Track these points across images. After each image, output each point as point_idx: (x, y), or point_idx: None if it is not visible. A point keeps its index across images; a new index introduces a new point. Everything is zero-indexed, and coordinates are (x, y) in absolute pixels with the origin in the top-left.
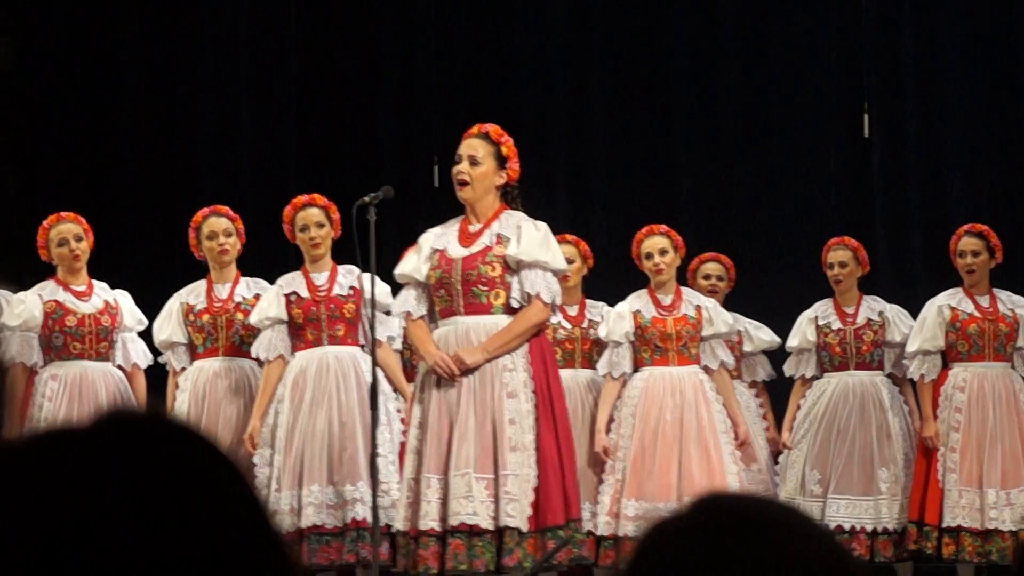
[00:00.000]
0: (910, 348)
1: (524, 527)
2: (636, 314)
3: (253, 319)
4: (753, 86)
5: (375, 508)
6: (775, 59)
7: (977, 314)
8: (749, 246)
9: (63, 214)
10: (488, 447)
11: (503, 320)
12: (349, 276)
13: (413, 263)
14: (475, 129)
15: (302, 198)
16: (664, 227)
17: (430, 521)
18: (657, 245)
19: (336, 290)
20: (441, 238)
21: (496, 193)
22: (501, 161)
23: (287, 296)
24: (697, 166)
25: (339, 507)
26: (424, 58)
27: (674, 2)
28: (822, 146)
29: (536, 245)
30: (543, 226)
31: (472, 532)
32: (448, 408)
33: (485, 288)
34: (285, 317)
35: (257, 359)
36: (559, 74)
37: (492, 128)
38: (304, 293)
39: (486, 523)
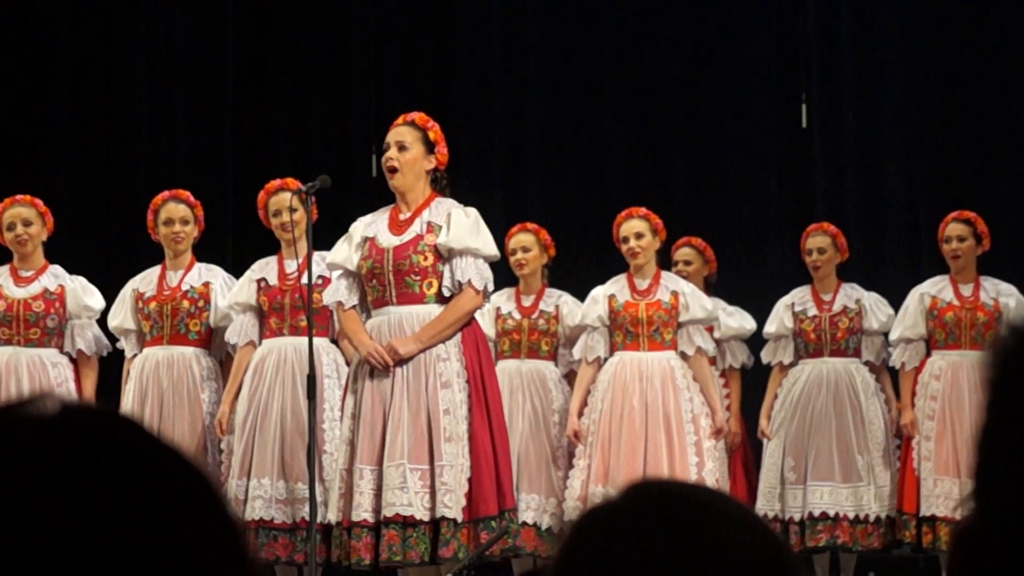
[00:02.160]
0: (892, 336)
1: (460, 517)
2: (611, 298)
3: (223, 304)
4: (692, 75)
5: (313, 500)
6: (714, 49)
7: (956, 302)
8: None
9: (18, 197)
10: (422, 437)
11: (436, 309)
12: (322, 264)
13: (344, 252)
14: (401, 119)
15: (275, 183)
16: (643, 210)
17: (363, 512)
18: (633, 228)
19: (305, 279)
20: (371, 227)
21: (426, 179)
22: (429, 146)
23: (258, 282)
24: (635, 156)
25: (289, 503)
26: (361, 47)
27: None
28: (761, 136)
29: (466, 232)
30: (473, 212)
31: (407, 523)
32: (382, 398)
33: (417, 278)
34: (254, 303)
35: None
36: (496, 63)
37: (418, 115)
38: (273, 280)
39: (421, 514)
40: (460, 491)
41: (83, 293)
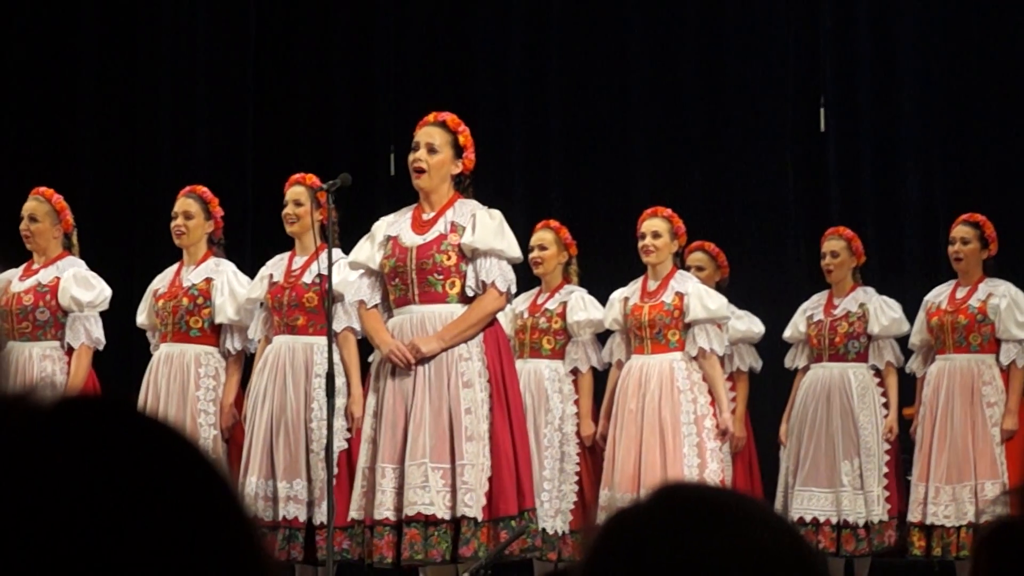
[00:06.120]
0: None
1: (480, 516)
2: (624, 301)
3: (241, 299)
4: (711, 79)
5: (330, 498)
6: (733, 53)
7: (944, 307)
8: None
9: (38, 189)
10: (444, 436)
11: (458, 309)
12: (325, 263)
13: (366, 251)
14: (431, 117)
15: (294, 176)
16: (668, 211)
17: (385, 511)
18: (651, 227)
19: (305, 277)
20: (394, 226)
21: (450, 182)
22: (458, 150)
23: (269, 277)
24: (655, 160)
25: (275, 501)
26: (382, 46)
27: None
28: (779, 140)
29: (491, 233)
30: (497, 214)
31: (428, 522)
32: (403, 397)
33: (440, 277)
34: (263, 299)
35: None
36: (516, 64)
37: (449, 117)
38: (279, 277)
39: (442, 512)
40: (480, 490)
41: (75, 285)
